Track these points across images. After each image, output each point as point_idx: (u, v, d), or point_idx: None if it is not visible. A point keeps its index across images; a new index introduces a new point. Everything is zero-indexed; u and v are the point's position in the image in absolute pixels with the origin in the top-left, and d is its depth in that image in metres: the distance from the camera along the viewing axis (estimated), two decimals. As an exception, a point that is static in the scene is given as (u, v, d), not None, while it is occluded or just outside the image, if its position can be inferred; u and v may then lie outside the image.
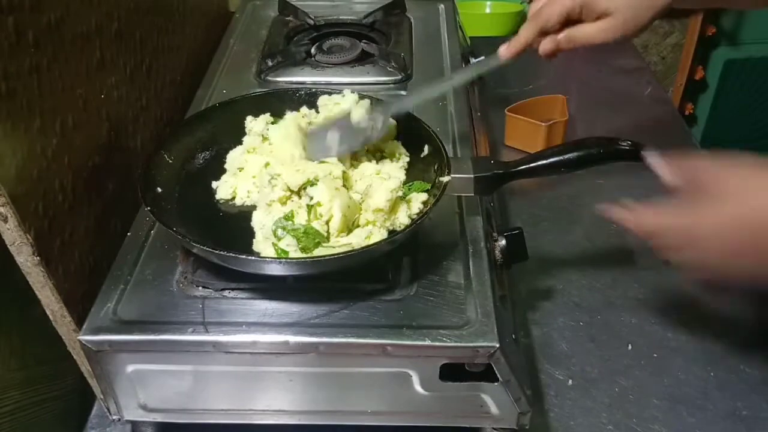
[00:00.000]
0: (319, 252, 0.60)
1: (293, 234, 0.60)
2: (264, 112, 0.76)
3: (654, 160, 0.59)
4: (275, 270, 0.60)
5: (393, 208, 0.64)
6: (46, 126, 0.58)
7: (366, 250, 0.60)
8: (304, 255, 0.60)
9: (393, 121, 0.72)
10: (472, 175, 0.64)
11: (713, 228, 0.54)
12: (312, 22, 1.05)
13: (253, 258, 0.59)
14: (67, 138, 0.61)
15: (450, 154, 0.70)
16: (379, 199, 0.63)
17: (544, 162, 0.64)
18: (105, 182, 0.69)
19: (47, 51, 0.58)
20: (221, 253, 0.59)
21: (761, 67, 1.92)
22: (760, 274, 0.54)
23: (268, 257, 0.60)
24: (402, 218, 0.64)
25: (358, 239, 0.62)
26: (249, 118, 0.75)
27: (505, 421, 0.63)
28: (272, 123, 0.75)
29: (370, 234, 0.62)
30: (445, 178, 0.63)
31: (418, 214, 0.65)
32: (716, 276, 0.56)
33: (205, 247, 0.59)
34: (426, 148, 0.69)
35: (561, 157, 0.64)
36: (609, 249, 0.92)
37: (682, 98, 1.99)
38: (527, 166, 0.65)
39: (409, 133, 0.72)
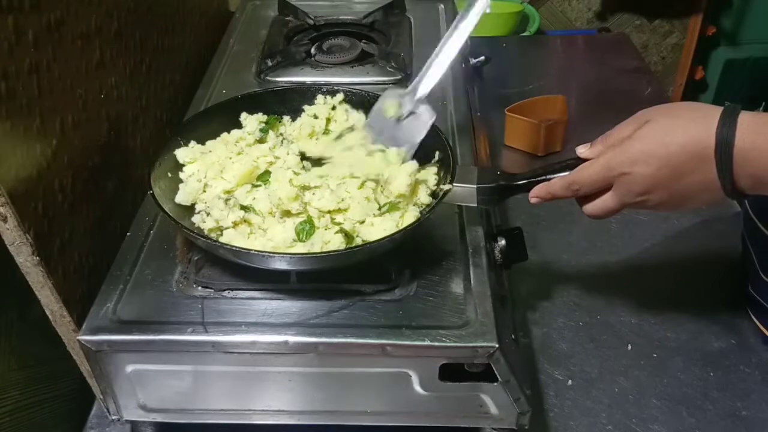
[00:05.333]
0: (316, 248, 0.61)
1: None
2: (282, 107, 0.76)
3: (579, 149, 0.62)
4: (281, 264, 0.60)
5: (413, 189, 0.66)
6: (46, 126, 0.58)
7: (368, 246, 0.60)
8: (309, 250, 0.61)
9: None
10: (475, 186, 0.64)
11: (628, 162, 0.57)
12: (312, 22, 1.05)
13: (257, 252, 0.59)
14: (66, 138, 0.61)
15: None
16: (400, 184, 0.65)
17: (552, 176, 0.62)
18: (105, 182, 0.69)
19: (47, 51, 0.58)
20: (227, 247, 0.59)
21: (761, 66, 1.92)
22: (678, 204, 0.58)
23: (273, 252, 0.60)
24: (423, 198, 0.66)
25: (391, 224, 0.63)
26: (244, 115, 0.75)
27: (504, 421, 0.63)
28: (264, 123, 0.74)
29: (402, 216, 0.64)
30: (446, 186, 0.63)
31: (435, 185, 0.67)
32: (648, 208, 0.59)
33: (209, 240, 0.59)
34: (437, 154, 0.69)
35: (568, 173, 0.61)
36: (609, 249, 0.92)
37: (682, 98, 1.99)
38: (534, 179, 0.63)
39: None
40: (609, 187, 0.59)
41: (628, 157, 0.57)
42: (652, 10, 1.95)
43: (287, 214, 0.63)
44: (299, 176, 0.65)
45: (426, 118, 0.69)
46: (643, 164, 0.56)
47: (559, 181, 0.61)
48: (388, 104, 0.70)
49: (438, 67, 0.69)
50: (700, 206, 0.58)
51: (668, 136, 0.55)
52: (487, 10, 0.69)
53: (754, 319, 0.80)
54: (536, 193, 0.63)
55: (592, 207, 0.61)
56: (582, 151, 0.61)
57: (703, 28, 1.87)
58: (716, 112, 0.54)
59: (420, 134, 0.68)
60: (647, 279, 0.88)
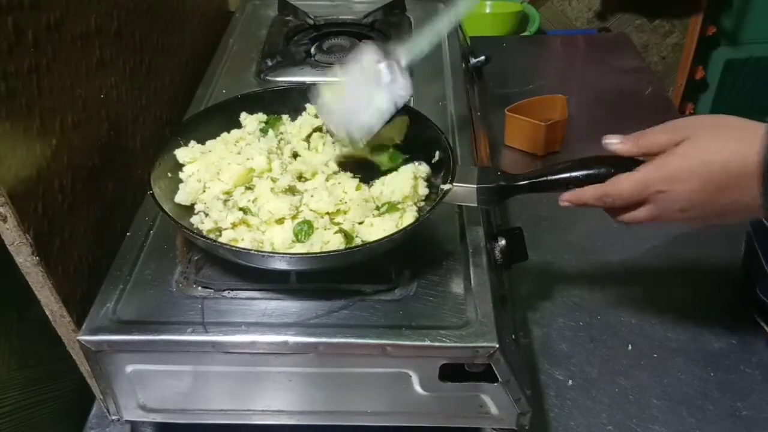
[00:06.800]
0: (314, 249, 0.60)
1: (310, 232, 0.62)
2: (282, 107, 0.76)
3: (609, 140, 0.60)
4: (281, 264, 0.60)
5: (414, 189, 0.67)
6: (46, 126, 0.58)
7: (368, 246, 0.60)
8: (308, 251, 0.61)
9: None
10: (475, 186, 0.63)
11: (667, 180, 0.56)
12: (312, 21, 1.05)
13: (257, 252, 0.59)
14: (66, 138, 0.61)
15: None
16: (403, 187, 0.65)
17: (552, 177, 0.62)
18: (104, 182, 0.69)
19: (47, 51, 0.58)
20: (227, 247, 0.59)
21: (761, 66, 1.92)
22: (715, 220, 0.57)
23: (273, 252, 0.60)
24: (421, 190, 0.67)
25: (390, 224, 0.63)
26: (243, 114, 0.75)
27: (504, 421, 0.63)
28: (265, 123, 0.74)
29: (402, 215, 0.64)
30: (446, 186, 0.63)
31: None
32: (673, 221, 0.58)
33: (209, 240, 0.59)
34: (437, 154, 0.69)
35: (570, 174, 0.62)
36: (609, 249, 0.92)
37: (682, 98, 1.99)
38: (534, 180, 0.63)
39: (421, 137, 0.72)
40: (643, 201, 0.58)
41: (669, 173, 0.55)
42: (652, 10, 1.95)
43: (281, 221, 0.63)
44: (278, 181, 0.65)
45: (402, 89, 0.63)
46: (683, 182, 0.55)
47: (592, 190, 0.60)
48: (368, 60, 0.64)
49: (426, 38, 0.65)
50: (733, 222, 0.58)
51: (710, 153, 0.54)
52: None
53: (762, 324, 0.80)
54: (568, 198, 0.62)
55: (625, 218, 0.60)
56: (613, 142, 0.60)
57: (704, 28, 1.88)
58: (758, 129, 0.53)
59: (402, 93, 0.63)
60: (648, 279, 0.88)
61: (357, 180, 0.67)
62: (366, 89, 0.64)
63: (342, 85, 0.66)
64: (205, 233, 0.62)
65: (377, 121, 0.64)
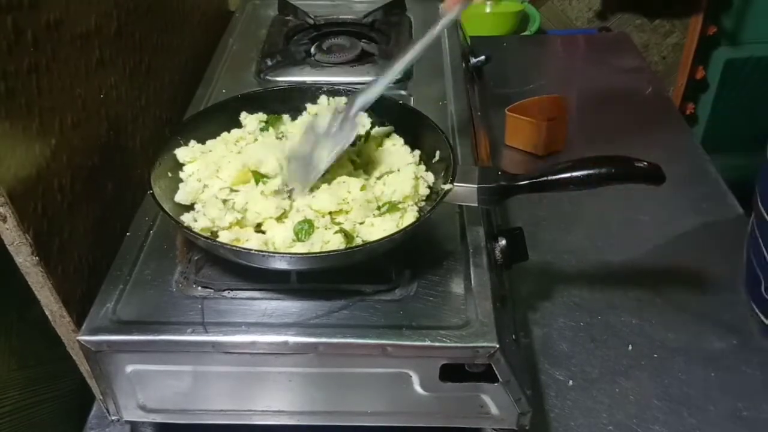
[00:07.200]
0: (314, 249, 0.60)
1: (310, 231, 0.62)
2: (282, 107, 0.76)
3: None
4: (282, 264, 0.60)
5: (415, 189, 0.66)
6: (45, 126, 0.58)
7: (368, 246, 0.60)
8: (309, 250, 0.60)
9: (366, 122, 0.72)
10: (475, 186, 0.63)
11: None
12: (312, 21, 1.05)
13: (258, 252, 0.59)
14: (66, 138, 0.61)
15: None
16: (404, 186, 0.65)
17: (553, 178, 0.61)
18: (104, 182, 0.69)
19: (46, 50, 0.58)
20: (228, 246, 0.59)
21: (762, 66, 1.92)
22: None
23: (273, 252, 0.60)
24: (422, 190, 0.67)
25: (391, 224, 0.63)
26: (244, 114, 0.75)
27: (505, 421, 0.63)
28: (265, 123, 0.74)
29: (402, 215, 0.64)
30: (447, 186, 0.63)
31: (434, 182, 0.67)
32: None
33: (209, 240, 0.59)
34: (437, 154, 0.69)
35: (570, 174, 0.61)
36: (609, 249, 0.92)
37: (682, 98, 1.99)
38: (535, 180, 0.62)
39: (422, 137, 0.72)
40: None
41: None
42: (652, 10, 1.95)
43: (280, 219, 0.63)
44: (268, 183, 0.65)
45: (348, 131, 0.66)
46: None
47: None
48: (321, 119, 0.68)
49: (379, 86, 0.67)
50: None
51: None
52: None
53: (766, 322, 0.79)
54: None
55: None
56: None
57: (704, 28, 1.87)
58: None
59: (343, 142, 0.66)
60: (648, 279, 0.88)
61: (362, 180, 0.67)
62: (313, 140, 0.67)
63: (298, 139, 0.70)
64: (197, 231, 0.62)
65: (317, 172, 0.66)
